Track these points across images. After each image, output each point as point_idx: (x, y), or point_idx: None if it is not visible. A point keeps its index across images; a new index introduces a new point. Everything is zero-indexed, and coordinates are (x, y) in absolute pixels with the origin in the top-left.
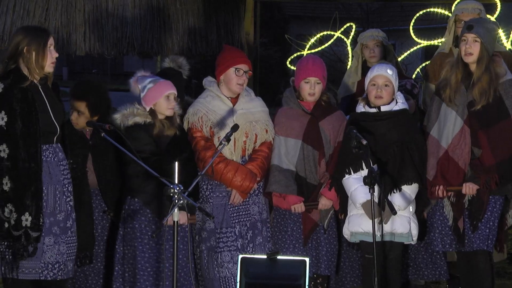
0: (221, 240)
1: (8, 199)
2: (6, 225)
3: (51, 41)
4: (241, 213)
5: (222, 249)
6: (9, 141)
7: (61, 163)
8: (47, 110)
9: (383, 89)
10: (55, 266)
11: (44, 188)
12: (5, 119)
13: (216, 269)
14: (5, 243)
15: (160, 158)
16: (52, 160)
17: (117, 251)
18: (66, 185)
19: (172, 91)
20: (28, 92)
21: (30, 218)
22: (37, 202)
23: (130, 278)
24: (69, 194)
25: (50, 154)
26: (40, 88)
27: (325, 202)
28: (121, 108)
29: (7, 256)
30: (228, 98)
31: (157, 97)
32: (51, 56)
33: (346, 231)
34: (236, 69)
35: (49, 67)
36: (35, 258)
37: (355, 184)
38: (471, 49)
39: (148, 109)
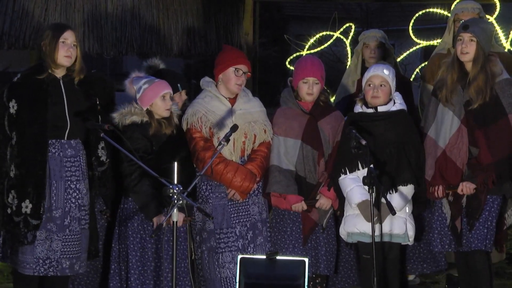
0: (221, 240)
1: (12, 186)
2: (9, 211)
3: (66, 35)
4: (241, 213)
5: (223, 250)
6: (17, 129)
7: (69, 159)
8: (62, 104)
9: (379, 89)
10: (46, 262)
11: None
12: (15, 108)
13: (217, 269)
14: (6, 228)
15: (154, 157)
16: (56, 156)
17: (113, 250)
18: (74, 182)
19: (168, 90)
20: (43, 84)
21: (30, 206)
22: (39, 191)
23: (126, 276)
24: (74, 192)
25: (54, 150)
26: (61, 82)
27: (324, 201)
28: (120, 107)
29: (8, 242)
30: (226, 98)
31: (153, 98)
32: (64, 50)
33: (343, 231)
34: (235, 69)
35: (62, 60)
36: (28, 252)
37: (351, 184)
38: (467, 48)
39: (145, 109)
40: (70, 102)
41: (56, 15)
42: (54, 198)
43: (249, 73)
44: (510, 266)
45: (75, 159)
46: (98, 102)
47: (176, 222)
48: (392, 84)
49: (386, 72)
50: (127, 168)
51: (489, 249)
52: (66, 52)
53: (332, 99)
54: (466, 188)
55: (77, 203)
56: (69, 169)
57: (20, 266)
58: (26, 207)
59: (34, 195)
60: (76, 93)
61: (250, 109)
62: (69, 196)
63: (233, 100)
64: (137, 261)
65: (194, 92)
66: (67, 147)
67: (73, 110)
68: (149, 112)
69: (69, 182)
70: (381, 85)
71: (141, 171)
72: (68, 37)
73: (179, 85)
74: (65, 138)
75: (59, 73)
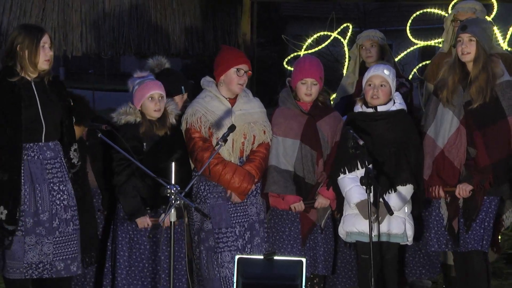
0: (221, 240)
1: None
2: None
3: (45, 39)
4: (239, 214)
5: (222, 249)
6: None
7: (49, 161)
8: (36, 107)
9: (379, 89)
10: (39, 266)
11: (26, 187)
12: None
13: (217, 269)
14: None
15: (145, 158)
16: (35, 159)
17: (108, 248)
18: (57, 184)
19: (156, 91)
20: (15, 87)
21: (5, 212)
22: (14, 196)
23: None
24: (57, 194)
25: (33, 153)
26: (33, 85)
27: (322, 201)
28: (119, 107)
29: None
30: (226, 98)
31: (141, 98)
32: (44, 53)
33: (342, 231)
34: (237, 69)
35: (43, 64)
36: (18, 258)
37: (350, 184)
38: (467, 48)
39: (138, 109)
40: (43, 104)
41: (53, 15)
42: (40, 201)
43: (250, 72)
44: (507, 266)
45: (55, 161)
46: (72, 103)
47: (174, 222)
48: (392, 84)
49: (386, 72)
50: (115, 167)
51: (486, 250)
52: (46, 56)
53: (331, 98)
54: (462, 190)
55: (62, 205)
56: (50, 171)
57: (6, 271)
58: (1, 213)
59: (9, 201)
60: (48, 94)
61: (250, 109)
62: (54, 198)
63: (233, 101)
64: (125, 261)
65: (192, 92)
66: (45, 149)
67: (47, 111)
68: (142, 112)
69: (52, 184)
70: (381, 85)
71: (129, 172)
72: (47, 40)
73: (183, 87)
74: (43, 141)
75: (32, 76)
